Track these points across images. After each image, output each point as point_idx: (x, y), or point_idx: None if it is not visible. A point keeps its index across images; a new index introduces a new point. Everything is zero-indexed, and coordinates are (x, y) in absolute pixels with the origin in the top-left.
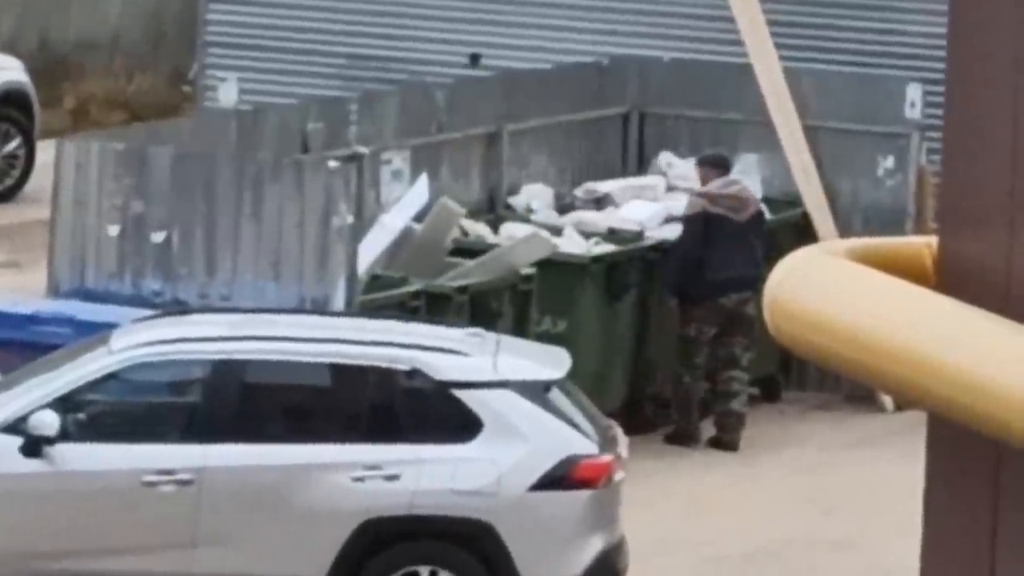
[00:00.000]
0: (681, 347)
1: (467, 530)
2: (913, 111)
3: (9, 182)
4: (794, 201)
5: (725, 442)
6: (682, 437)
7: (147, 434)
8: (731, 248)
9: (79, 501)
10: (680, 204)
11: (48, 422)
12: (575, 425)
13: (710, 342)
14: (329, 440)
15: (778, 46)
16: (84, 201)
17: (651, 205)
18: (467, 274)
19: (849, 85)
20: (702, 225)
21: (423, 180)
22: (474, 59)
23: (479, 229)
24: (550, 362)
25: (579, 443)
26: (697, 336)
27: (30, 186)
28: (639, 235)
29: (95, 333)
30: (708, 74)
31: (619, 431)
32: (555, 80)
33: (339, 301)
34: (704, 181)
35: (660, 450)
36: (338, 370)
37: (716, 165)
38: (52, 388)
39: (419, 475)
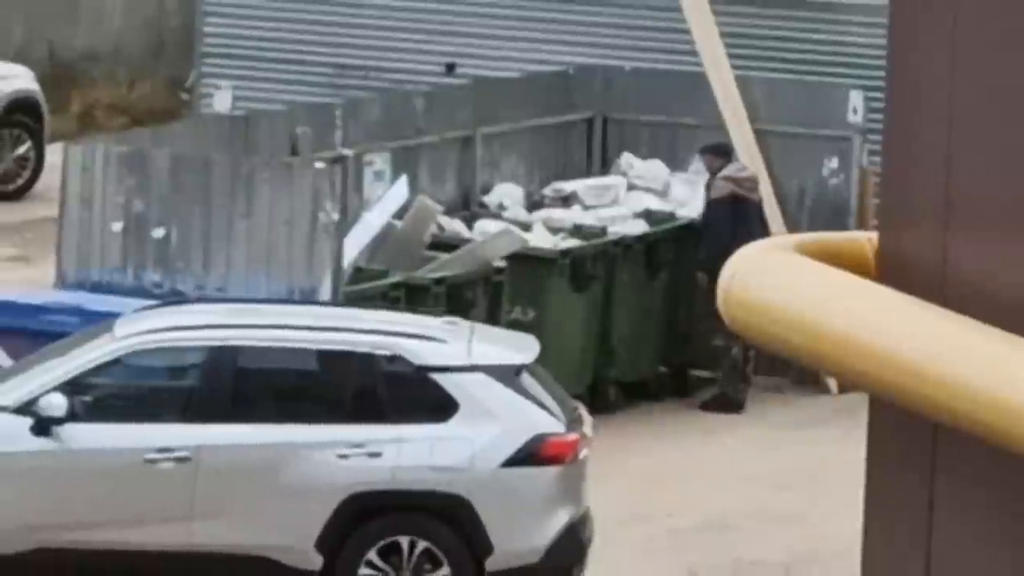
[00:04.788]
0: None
1: (444, 503)
2: (855, 116)
3: (20, 182)
4: None
5: (738, 402)
6: (727, 404)
7: (148, 415)
8: (758, 225)
9: (85, 477)
10: (640, 202)
11: (57, 404)
12: (543, 406)
13: None
14: (316, 420)
15: (730, 56)
16: (89, 200)
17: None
18: (444, 267)
19: (796, 92)
20: (730, 206)
21: (403, 180)
22: (450, 68)
23: (455, 225)
24: (520, 348)
25: (547, 422)
26: None
27: (39, 186)
28: (603, 231)
29: (100, 322)
30: (666, 82)
31: (584, 411)
32: (525, 87)
33: (325, 292)
34: (710, 168)
35: (622, 429)
36: (325, 356)
37: (719, 152)
38: (61, 372)
39: (399, 452)
